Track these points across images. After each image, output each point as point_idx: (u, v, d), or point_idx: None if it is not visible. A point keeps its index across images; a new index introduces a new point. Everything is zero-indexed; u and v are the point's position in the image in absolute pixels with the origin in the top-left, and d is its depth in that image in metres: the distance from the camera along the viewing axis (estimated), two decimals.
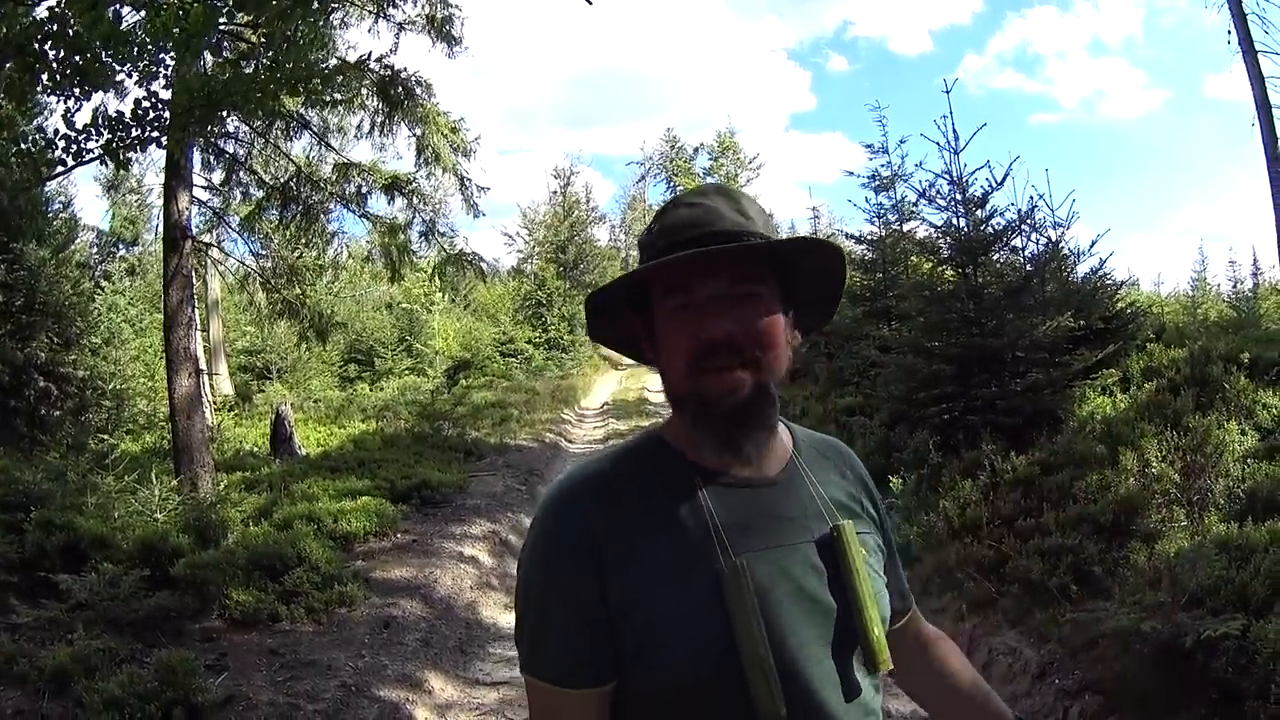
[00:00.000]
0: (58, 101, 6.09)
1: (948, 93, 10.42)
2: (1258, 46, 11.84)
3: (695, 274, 1.49)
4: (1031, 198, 12.34)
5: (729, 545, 1.49)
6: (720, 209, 1.55)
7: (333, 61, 12.01)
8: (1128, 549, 6.26)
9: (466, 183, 17.02)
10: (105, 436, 15.25)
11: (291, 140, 15.64)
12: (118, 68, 5.84)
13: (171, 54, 6.11)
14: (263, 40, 8.85)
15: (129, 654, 6.21)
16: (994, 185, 10.15)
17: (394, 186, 15.73)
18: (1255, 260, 24.18)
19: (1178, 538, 6.14)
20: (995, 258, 10.56)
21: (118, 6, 5.39)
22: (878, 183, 17.13)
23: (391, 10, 14.76)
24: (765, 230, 1.57)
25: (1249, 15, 11.90)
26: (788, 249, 1.59)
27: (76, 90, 5.86)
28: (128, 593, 6.99)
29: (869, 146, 17.07)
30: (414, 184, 16.11)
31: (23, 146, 6.41)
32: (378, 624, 7.68)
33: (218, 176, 15.40)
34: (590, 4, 8.99)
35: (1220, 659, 4.56)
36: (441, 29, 15.19)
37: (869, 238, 16.58)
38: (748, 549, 1.50)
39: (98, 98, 6.93)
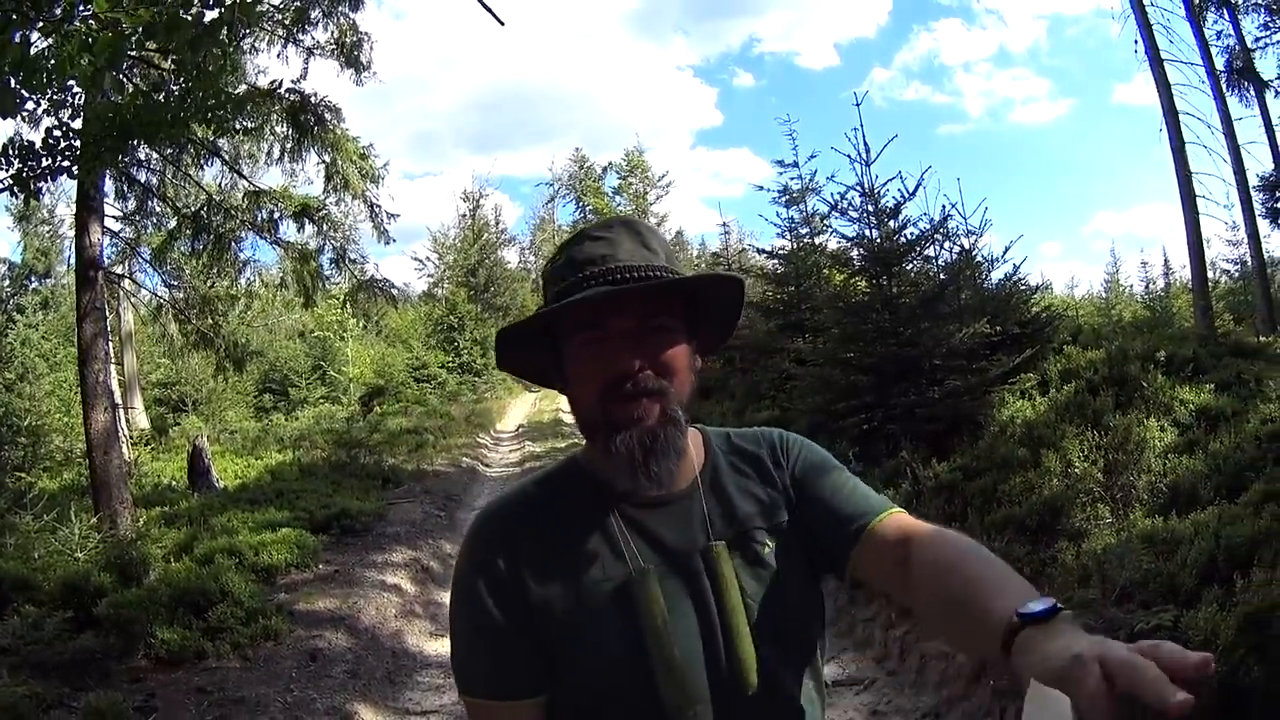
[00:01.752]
0: None
1: (858, 105, 10.59)
2: (1163, 55, 12.16)
3: (604, 310, 1.54)
4: (944, 207, 12.57)
5: (638, 558, 1.58)
6: (626, 243, 1.61)
7: (243, 88, 11.84)
8: (1055, 548, 6.37)
9: (376, 209, 16.96)
10: (22, 474, 14.89)
11: (203, 168, 15.47)
12: (26, 95, 5.71)
13: (79, 81, 6.00)
14: (173, 68, 8.72)
15: (56, 699, 6.07)
16: (906, 196, 10.30)
17: (304, 213, 15.63)
18: (1166, 261, 24.95)
19: (1104, 535, 6.26)
20: (909, 267, 10.68)
21: (26, 32, 5.26)
22: (788, 197, 17.24)
23: (301, 35, 14.67)
24: (669, 263, 1.63)
25: (1154, 25, 12.23)
26: (692, 285, 1.64)
27: None
28: (51, 635, 6.87)
29: (779, 162, 17.17)
30: (324, 210, 16.06)
31: None
32: (304, 657, 7.56)
33: (130, 206, 15.17)
34: (502, 24, 9.01)
35: None
36: (350, 54, 15.15)
37: (780, 252, 16.67)
38: (649, 559, 1.58)
39: (9, 125, 6.76)
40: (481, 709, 1.60)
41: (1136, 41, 12.33)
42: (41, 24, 5.42)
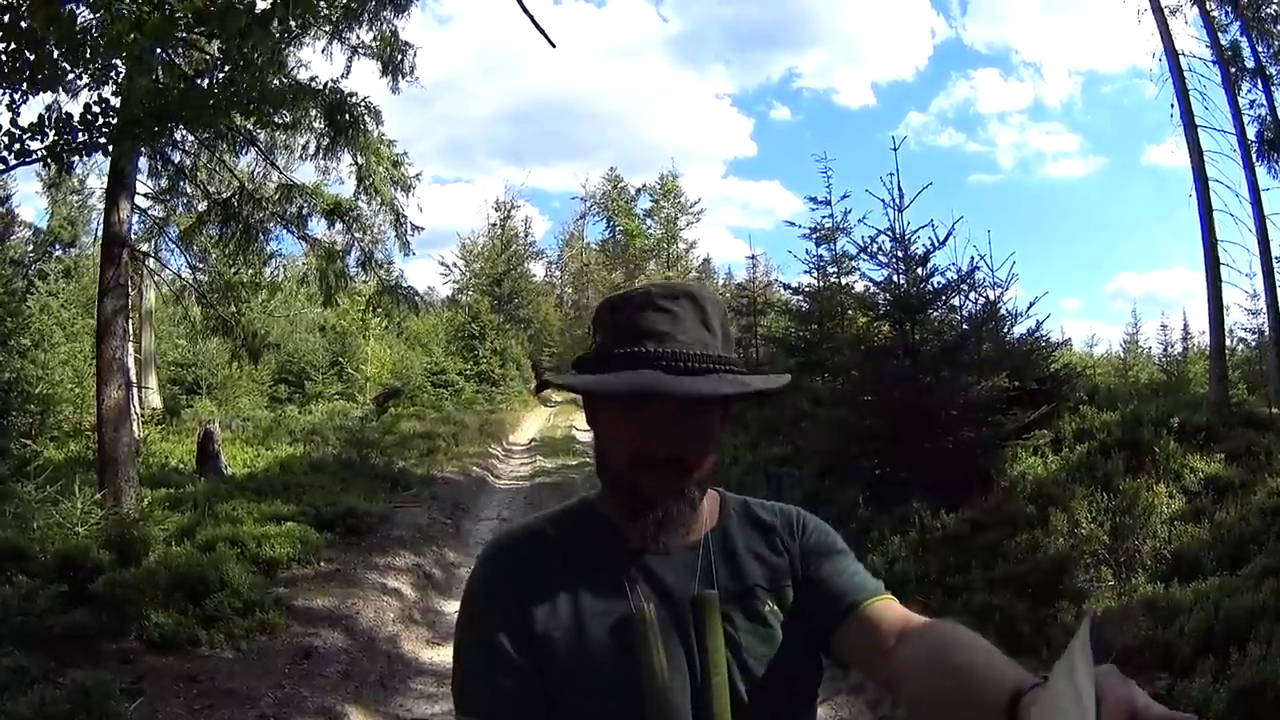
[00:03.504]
0: (3, 94, 5.99)
1: (895, 150, 10.60)
2: (1198, 121, 12.13)
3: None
4: (973, 258, 12.51)
5: (639, 594, 1.60)
6: (688, 320, 1.59)
7: (277, 82, 11.92)
8: (1056, 608, 6.34)
9: (402, 219, 17.01)
10: (28, 442, 14.89)
11: (237, 155, 15.49)
12: (69, 68, 5.76)
13: (124, 60, 6.05)
14: (219, 56, 8.77)
15: (42, 673, 6.05)
16: (936, 244, 10.25)
17: (335, 212, 15.72)
18: (1185, 325, 24.74)
19: (1105, 598, 6.22)
20: (934, 315, 10.65)
21: (74, 5, 5.32)
22: (819, 234, 17.23)
23: (347, 34, 14.76)
24: (725, 344, 1.63)
25: (1190, 91, 12.21)
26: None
27: (25, 85, 5.76)
28: (43, 608, 6.85)
29: (812, 199, 17.22)
30: (355, 211, 16.10)
31: None
32: (299, 653, 7.57)
33: (161, 185, 15.20)
34: (554, 47, 9.05)
35: None
36: (390, 61, 15.21)
37: (806, 289, 16.67)
38: (652, 602, 1.60)
39: (47, 95, 6.81)
40: None
41: (1172, 105, 12.36)
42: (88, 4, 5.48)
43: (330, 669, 7.42)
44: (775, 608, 1.69)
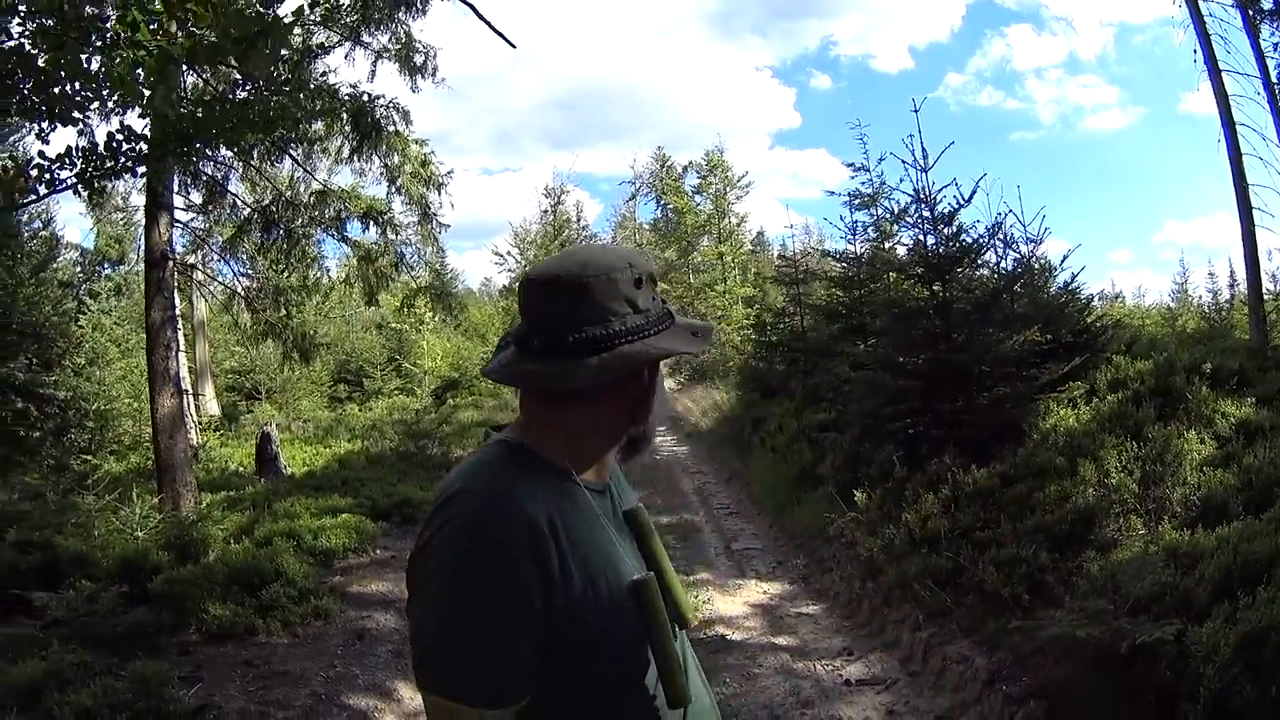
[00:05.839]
0: (26, 131, 6.23)
1: (916, 111, 10.52)
2: (1221, 66, 11.97)
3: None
4: (999, 213, 12.43)
5: (629, 551, 1.77)
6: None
7: (308, 90, 12.13)
8: (1082, 558, 6.38)
9: (429, 216, 17.15)
10: (88, 457, 15.26)
11: (273, 164, 15.76)
12: (87, 101, 5.96)
13: (142, 88, 6.25)
14: (240, 75, 9.00)
15: (104, 668, 6.27)
16: (962, 202, 10.24)
17: (370, 214, 16.00)
18: (1231, 273, 24.24)
19: (1133, 546, 6.23)
20: (965, 274, 10.65)
21: (80, 48, 5.51)
22: (859, 200, 17.21)
23: (367, 38, 14.99)
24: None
25: (1212, 36, 12.08)
26: None
27: (45, 122, 5.97)
28: (106, 609, 7.11)
29: (851, 165, 17.19)
30: (389, 213, 16.36)
31: None
32: (351, 636, 7.81)
33: (198, 198, 15.49)
34: (514, 47, 9.26)
35: (1160, 664, 4.67)
36: (408, 62, 15.46)
37: (847, 255, 16.67)
38: (616, 536, 1.79)
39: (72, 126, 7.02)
40: (456, 713, 1.55)
41: (1195, 51, 12.21)
42: (92, 48, 5.67)
43: (381, 649, 7.65)
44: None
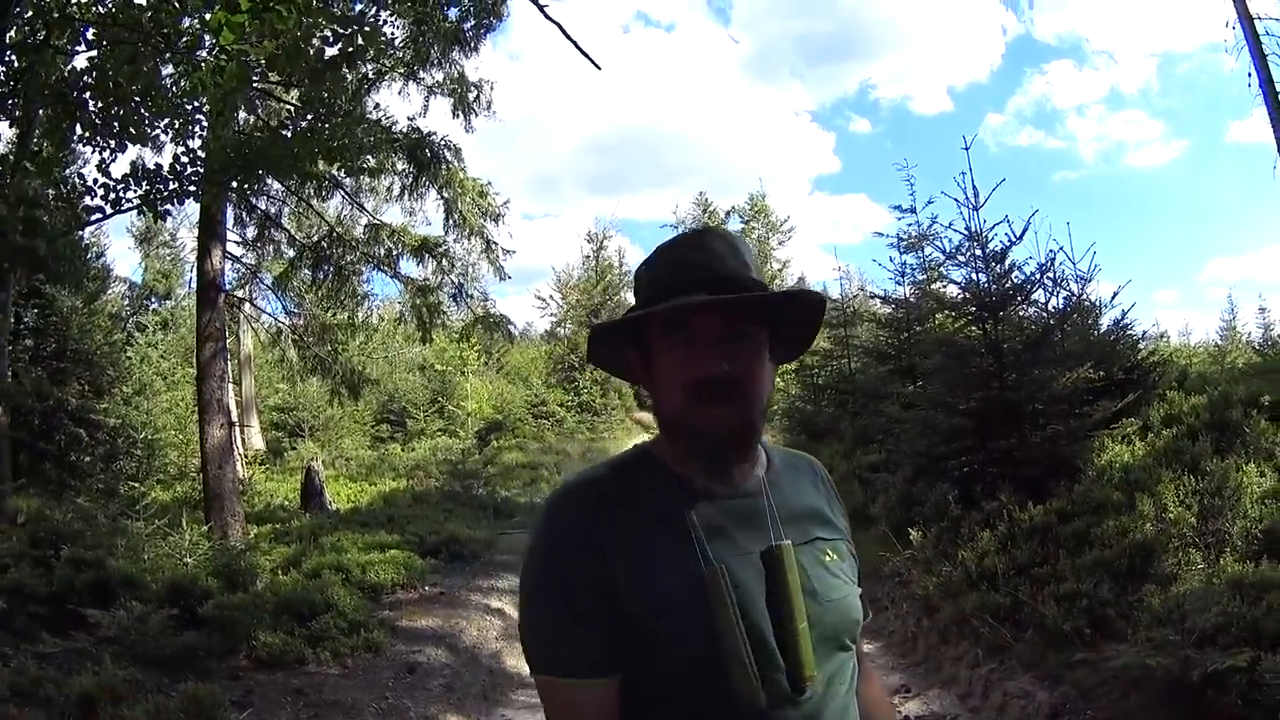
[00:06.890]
0: (92, 152, 6.31)
1: (966, 149, 10.50)
2: (1278, 88, 11.85)
3: (694, 313, 1.64)
4: (1051, 251, 12.36)
5: (708, 551, 1.63)
6: (719, 252, 1.70)
7: (365, 125, 12.30)
8: (1142, 592, 6.28)
9: (493, 246, 17.25)
10: (136, 484, 15.36)
11: (324, 200, 15.93)
12: (154, 121, 6.05)
13: (205, 110, 6.34)
14: (300, 105, 9.11)
15: (155, 686, 6.32)
16: (1013, 240, 10.18)
17: (423, 249, 16.07)
18: None
19: (1194, 580, 6.14)
20: (1016, 312, 10.58)
21: (157, 60, 5.60)
22: (905, 243, 17.14)
23: (421, 74, 15.11)
24: (758, 274, 1.72)
25: (1269, 55, 11.94)
26: (782, 299, 1.75)
27: (113, 142, 6.06)
28: (156, 630, 7.12)
29: (897, 207, 17.08)
30: (443, 247, 16.42)
31: (63, 190, 6.65)
32: (403, 669, 7.79)
33: (250, 233, 15.67)
34: (599, 69, 9.29)
35: (1230, 693, 4.60)
36: (462, 101, 15.59)
37: (894, 297, 16.60)
38: (722, 555, 1.63)
39: (133, 150, 7.13)
40: (560, 689, 1.63)
41: (1250, 75, 12.06)
42: (169, 54, 5.76)
43: (433, 683, 7.63)
44: (835, 557, 1.80)
